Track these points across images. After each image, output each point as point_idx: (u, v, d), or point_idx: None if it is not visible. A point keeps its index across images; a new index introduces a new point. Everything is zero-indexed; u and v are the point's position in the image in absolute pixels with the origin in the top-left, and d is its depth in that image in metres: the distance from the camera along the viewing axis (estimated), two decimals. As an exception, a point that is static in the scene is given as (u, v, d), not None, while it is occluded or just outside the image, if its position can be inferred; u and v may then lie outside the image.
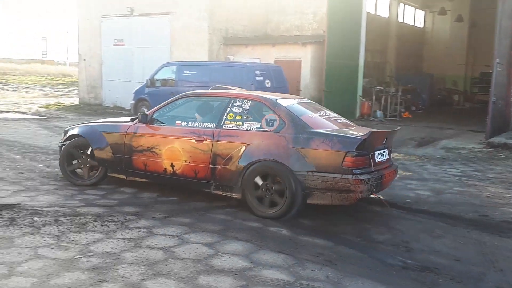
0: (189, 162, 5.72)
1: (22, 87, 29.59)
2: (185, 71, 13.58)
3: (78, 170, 6.56)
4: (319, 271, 3.91)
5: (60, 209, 5.25)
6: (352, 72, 17.14)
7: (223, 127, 5.63)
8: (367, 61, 20.58)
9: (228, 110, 5.72)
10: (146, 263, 3.87)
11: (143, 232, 4.63)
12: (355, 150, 4.94)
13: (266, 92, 6.59)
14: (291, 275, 3.79)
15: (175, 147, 5.80)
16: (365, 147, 5.05)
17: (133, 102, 14.76)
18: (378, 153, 5.39)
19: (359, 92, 17.64)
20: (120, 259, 3.93)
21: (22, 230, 4.49)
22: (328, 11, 15.53)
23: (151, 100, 13.64)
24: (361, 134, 5.24)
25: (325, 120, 5.69)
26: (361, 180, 4.93)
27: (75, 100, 20.98)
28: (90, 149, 6.36)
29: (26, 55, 57.15)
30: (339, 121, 5.91)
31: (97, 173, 6.42)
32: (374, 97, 17.86)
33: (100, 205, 5.49)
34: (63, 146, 6.58)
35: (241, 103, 5.72)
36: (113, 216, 5.08)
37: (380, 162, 5.41)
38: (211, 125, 5.72)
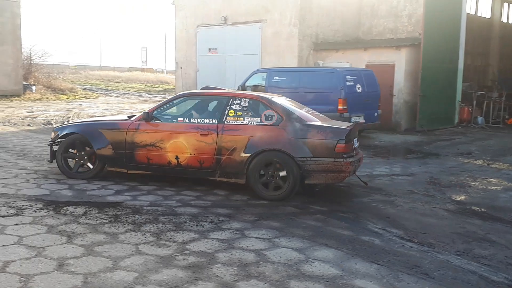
0: (194, 154, 6.38)
1: (124, 93, 31.85)
2: (274, 77, 13.70)
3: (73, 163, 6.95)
4: (415, 284, 3.74)
5: (159, 208, 5.55)
6: (450, 76, 16.22)
7: (225, 122, 6.37)
8: (467, 64, 19.37)
9: (228, 107, 6.46)
10: (239, 264, 3.96)
11: (235, 233, 4.75)
12: (344, 138, 5.99)
13: (260, 92, 7.18)
14: (384, 287, 3.66)
15: (179, 141, 6.43)
16: (350, 136, 6.08)
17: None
18: (354, 141, 6.38)
19: (458, 97, 16.63)
20: (214, 259, 4.06)
21: (125, 227, 4.81)
22: (425, 12, 14.85)
23: (242, 105, 13.95)
24: (346, 126, 6.42)
25: (311, 115, 6.62)
26: (350, 162, 6.02)
27: (171, 106, 22.06)
28: (87, 145, 6.83)
29: (127, 64, 61.43)
30: (320, 115, 6.90)
31: (95, 167, 6.83)
32: (474, 103, 16.74)
33: (195, 206, 5.72)
34: (60, 143, 6.95)
35: (240, 101, 6.49)
36: (207, 216, 5.27)
37: (355, 148, 6.40)
38: (213, 121, 6.44)
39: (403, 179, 7.89)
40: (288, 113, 6.33)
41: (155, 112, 6.74)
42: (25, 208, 5.26)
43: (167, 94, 31.43)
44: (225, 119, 6.40)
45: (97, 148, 6.74)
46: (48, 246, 4.18)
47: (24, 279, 3.51)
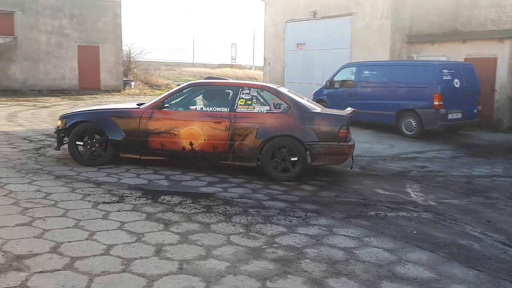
0: (208, 140, 6.86)
1: (214, 89, 32.74)
2: (364, 72, 13.37)
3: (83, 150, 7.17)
4: (519, 294, 3.47)
5: (248, 201, 5.67)
6: (561, 69, 14.73)
7: (237, 111, 6.84)
8: None
9: (238, 97, 6.94)
10: (327, 261, 3.93)
11: (323, 230, 4.71)
12: (346, 124, 6.67)
13: (264, 82, 7.50)
14: (485, 294, 3.44)
15: (194, 128, 6.87)
16: (349, 122, 6.78)
17: (312, 103, 15.10)
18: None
19: None
20: (303, 254, 4.06)
21: (216, 217, 4.97)
22: (533, 0, 13.63)
23: (329, 101, 13.75)
24: (346, 113, 7.03)
25: (311, 103, 7.29)
26: (351, 145, 6.81)
27: (259, 101, 22.39)
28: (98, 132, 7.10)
29: (218, 60, 63.26)
30: (317, 104, 7.63)
31: (107, 153, 7.10)
32: None
33: (283, 200, 5.76)
34: (71, 131, 7.10)
35: (248, 91, 6.99)
36: (294, 211, 5.29)
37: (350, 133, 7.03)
38: (225, 109, 6.88)
39: (505, 180, 7.33)
40: (295, 102, 6.91)
41: (166, 100, 7.13)
42: (126, 196, 5.63)
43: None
44: (236, 107, 6.87)
45: (110, 135, 7.05)
46: (147, 232, 4.44)
47: (126, 262, 3.76)
